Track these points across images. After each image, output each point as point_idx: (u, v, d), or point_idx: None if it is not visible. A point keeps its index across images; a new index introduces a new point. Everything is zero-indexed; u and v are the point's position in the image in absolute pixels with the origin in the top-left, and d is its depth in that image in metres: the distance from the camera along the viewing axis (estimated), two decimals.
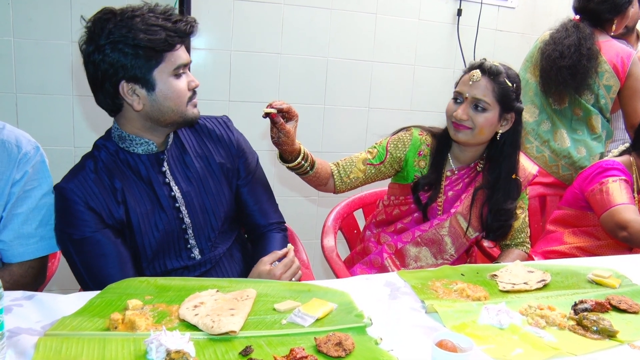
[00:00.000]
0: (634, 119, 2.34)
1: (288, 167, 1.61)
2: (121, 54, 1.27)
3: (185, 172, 1.46)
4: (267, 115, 1.46)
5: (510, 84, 1.63)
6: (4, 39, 2.24)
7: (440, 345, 0.98)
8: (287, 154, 1.56)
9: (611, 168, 1.94)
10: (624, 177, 1.92)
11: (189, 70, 1.42)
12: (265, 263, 1.42)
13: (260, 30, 2.59)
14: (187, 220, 1.44)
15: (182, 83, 1.35)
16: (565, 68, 2.28)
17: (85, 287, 1.35)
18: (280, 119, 1.46)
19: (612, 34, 2.39)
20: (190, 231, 1.45)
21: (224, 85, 2.59)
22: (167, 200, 1.41)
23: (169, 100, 1.34)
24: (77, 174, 1.34)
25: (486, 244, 1.99)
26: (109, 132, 1.42)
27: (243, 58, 2.59)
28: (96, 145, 1.41)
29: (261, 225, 1.59)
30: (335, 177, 1.72)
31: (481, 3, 2.85)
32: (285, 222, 1.66)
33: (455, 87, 1.71)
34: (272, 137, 1.51)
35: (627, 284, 1.45)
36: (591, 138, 2.40)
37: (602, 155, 2.39)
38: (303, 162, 1.59)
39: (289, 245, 1.48)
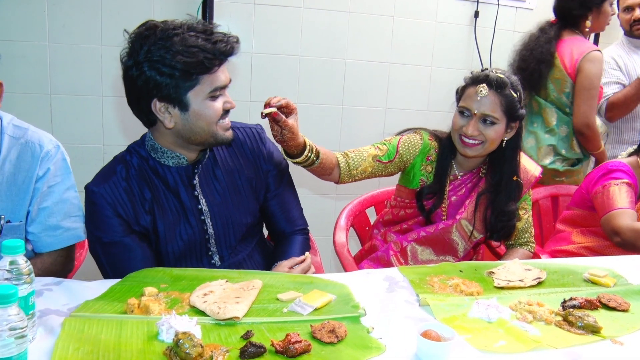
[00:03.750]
0: (577, 117, 2.42)
1: (295, 162, 1.57)
2: (157, 73, 1.28)
3: (214, 185, 1.49)
4: (267, 115, 1.41)
5: (515, 94, 1.66)
6: (40, 44, 2.40)
7: (425, 335, 1.06)
8: (293, 149, 1.51)
9: (616, 170, 1.96)
10: (626, 180, 1.94)
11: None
12: (284, 267, 1.51)
13: (280, 33, 2.68)
14: (210, 231, 1.49)
15: (217, 104, 1.36)
16: (521, 70, 2.45)
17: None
18: (282, 117, 1.42)
19: (587, 30, 2.46)
20: (212, 240, 1.51)
21: (245, 86, 2.70)
22: (194, 213, 1.46)
23: (201, 120, 1.35)
24: (108, 180, 1.39)
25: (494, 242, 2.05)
26: (143, 138, 1.47)
27: (264, 60, 2.69)
28: (129, 150, 1.45)
29: (286, 232, 1.66)
30: (342, 167, 1.69)
31: (498, 5, 2.88)
32: (308, 227, 1.72)
33: (460, 100, 1.72)
34: (275, 136, 1.47)
35: (622, 284, 1.49)
36: (544, 131, 2.50)
37: (554, 148, 2.50)
38: (310, 155, 1.55)
39: (307, 253, 1.56)
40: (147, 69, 1.28)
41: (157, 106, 1.33)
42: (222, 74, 1.35)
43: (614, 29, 2.95)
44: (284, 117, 1.43)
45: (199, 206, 1.47)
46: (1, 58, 1.38)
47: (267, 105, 1.42)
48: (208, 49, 1.28)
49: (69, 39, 2.43)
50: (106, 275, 1.44)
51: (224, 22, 2.58)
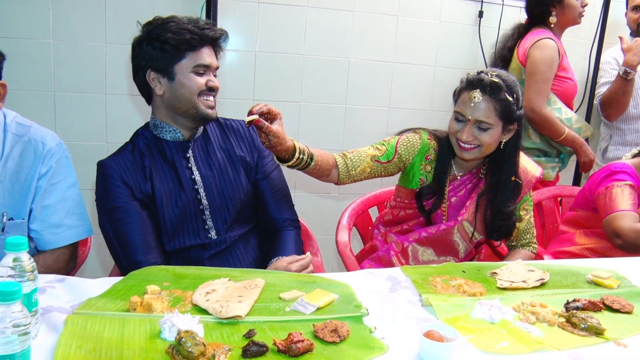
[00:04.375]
0: (525, 101, 2.41)
1: (288, 166, 1.60)
2: (152, 48, 1.51)
3: (207, 160, 1.62)
4: (250, 123, 1.47)
5: (511, 98, 1.64)
6: (45, 41, 2.40)
7: (428, 335, 1.06)
8: (283, 154, 1.55)
9: (620, 171, 1.95)
10: (629, 182, 1.93)
11: (215, 75, 1.58)
12: (284, 261, 1.53)
13: (284, 32, 2.68)
14: (204, 201, 1.60)
15: (200, 79, 1.54)
16: (492, 66, 2.58)
17: (115, 254, 1.52)
18: (264, 123, 1.47)
19: (553, 25, 2.48)
20: (207, 212, 1.60)
21: (249, 84, 2.70)
22: (188, 182, 1.59)
23: (184, 89, 1.52)
24: (117, 155, 1.57)
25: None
26: (147, 123, 1.64)
27: (267, 59, 2.69)
28: (136, 133, 1.63)
29: (276, 220, 1.70)
30: (340, 168, 1.70)
31: (503, 4, 2.87)
32: (299, 220, 1.75)
33: (455, 104, 1.72)
34: (263, 143, 1.53)
35: (626, 285, 1.48)
36: None
37: None
38: (302, 156, 1.58)
39: (308, 253, 1.60)
40: (145, 44, 1.52)
41: (151, 76, 1.54)
42: (207, 56, 1.55)
43: (617, 30, 2.94)
44: (266, 123, 1.48)
45: (193, 176, 1.60)
46: (6, 59, 1.39)
47: (250, 113, 1.48)
48: (195, 32, 1.51)
49: (73, 37, 2.42)
50: (111, 246, 1.52)
51: (228, 20, 2.58)
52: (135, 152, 1.57)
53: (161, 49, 1.50)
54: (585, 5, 2.50)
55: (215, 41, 1.56)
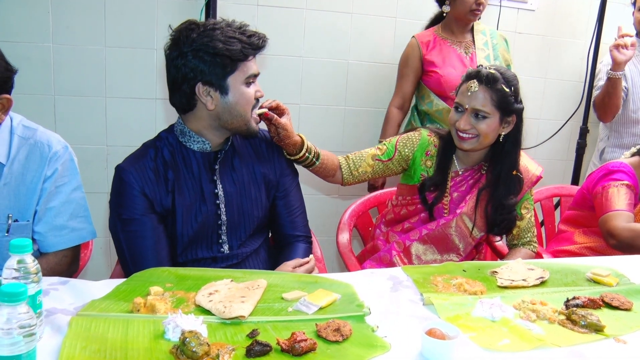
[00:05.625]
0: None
1: (295, 160, 1.69)
2: (201, 61, 1.42)
3: (231, 174, 1.58)
4: (259, 115, 1.56)
5: (507, 89, 1.68)
6: (44, 45, 2.41)
7: (430, 333, 1.07)
8: (291, 148, 1.64)
9: (617, 170, 1.96)
10: (626, 182, 1.94)
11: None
12: (288, 266, 1.54)
13: (283, 35, 2.69)
14: (223, 217, 1.56)
15: (251, 91, 1.49)
16: None
17: (124, 263, 1.50)
18: (273, 115, 1.57)
19: (445, 16, 2.51)
20: (224, 228, 1.57)
21: None
22: (210, 196, 1.55)
23: (239, 105, 1.47)
24: (139, 160, 1.49)
25: (499, 243, 2.05)
26: (172, 126, 1.58)
27: (267, 61, 2.69)
28: (159, 136, 1.56)
29: (289, 235, 1.70)
30: (343, 169, 1.80)
31: (500, 5, 2.88)
32: (311, 237, 1.76)
33: (456, 96, 1.77)
34: (273, 137, 1.62)
35: (625, 283, 1.50)
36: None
37: None
38: (307, 154, 1.68)
39: (311, 255, 1.61)
40: (192, 57, 1.42)
41: (201, 90, 1.45)
42: (254, 65, 1.50)
43: (614, 31, 2.95)
44: (275, 115, 1.58)
45: (216, 190, 1.55)
46: (17, 73, 1.41)
47: (260, 108, 1.57)
48: (244, 40, 1.44)
49: (73, 41, 2.43)
50: (121, 255, 1.50)
51: None
52: (159, 160, 1.50)
53: (212, 62, 1.42)
54: (481, 4, 2.39)
55: (261, 49, 1.50)
